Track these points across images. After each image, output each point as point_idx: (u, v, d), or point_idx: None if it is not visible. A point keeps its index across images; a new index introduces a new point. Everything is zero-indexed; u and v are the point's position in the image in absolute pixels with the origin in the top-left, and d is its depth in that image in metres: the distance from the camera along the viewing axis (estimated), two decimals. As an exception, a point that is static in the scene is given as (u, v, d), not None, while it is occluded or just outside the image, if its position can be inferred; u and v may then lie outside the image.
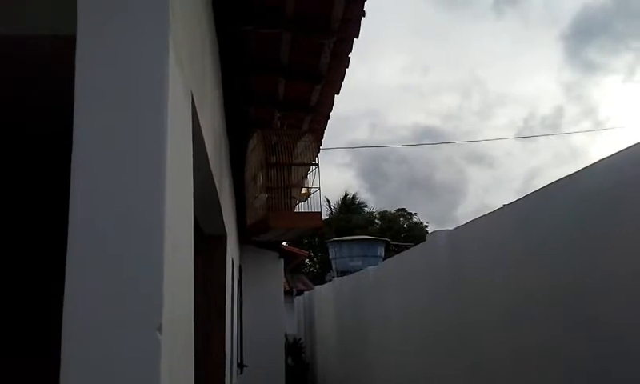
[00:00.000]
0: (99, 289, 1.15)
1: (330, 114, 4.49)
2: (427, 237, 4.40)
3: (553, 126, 40.28)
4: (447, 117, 44.38)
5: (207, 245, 3.91)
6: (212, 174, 2.68)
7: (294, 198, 4.57)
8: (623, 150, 2.10)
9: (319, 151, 4.79)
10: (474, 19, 43.04)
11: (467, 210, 42.52)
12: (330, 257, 14.41)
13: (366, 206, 29.23)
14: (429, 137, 42.38)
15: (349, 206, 28.31)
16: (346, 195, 28.65)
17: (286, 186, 4.39)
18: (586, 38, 46.85)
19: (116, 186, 1.21)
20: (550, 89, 43.93)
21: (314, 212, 4.52)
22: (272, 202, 4.31)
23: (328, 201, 27.72)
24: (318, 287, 12.12)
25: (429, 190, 42.00)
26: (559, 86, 44.50)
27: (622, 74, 42.53)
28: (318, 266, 26.24)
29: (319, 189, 4.49)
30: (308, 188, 4.60)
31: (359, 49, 3.31)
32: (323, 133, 4.95)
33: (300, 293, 14.89)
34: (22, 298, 3.43)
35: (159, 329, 1.14)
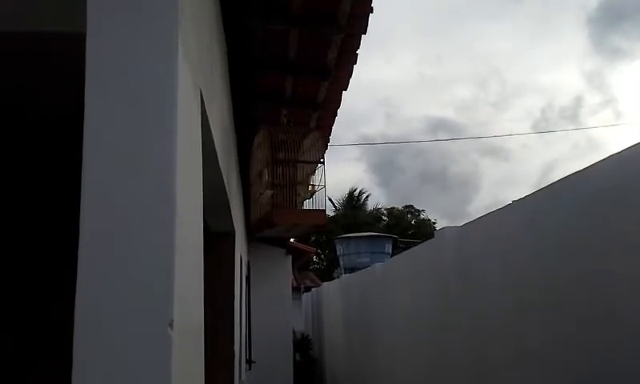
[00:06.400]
0: (110, 287, 1.16)
1: (338, 110, 4.48)
2: (435, 234, 4.39)
3: (571, 117, 38.63)
4: (462, 108, 42.55)
5: (216, 242, 3.91)
6: (221, 171, 2.68)
7: (299, 195, 4.58)
8: (633, 146, 2.08)
9: (326, 148, 4.79)
10: (492, 5, 41.72)
11: (480, 206, 40.92)
12: (338, 253, 14.42)
13: (368, 199, 28.95)
14: (443, 128, 41.01)
15: (354, 202, 28.15)
16: (352, 191, 28.46)
17: (291, 183, 4.40)
18: (613, 22, 43.56)
19: (126, 184, 1.21)
20: (570, 77, 41.61)
21: (318, 209, 4.53)
22: (277, 198, 4.32)
23: (332, 199, 27.49)
24: (325, 284, 12.11)
25: (442, 185, 40.83)
26: (581, 74, 42.00)
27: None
28: (325, 263, 26.21)
29: (324, 186, 4.50)
30: (313, 185, 4.60)
31: (372, 41, 3.31)
32: (331, 129, 4.94)
33: (308, 289, 14.91)
34: (35, 297, 3.44)
35: (170, 325, 1.15)
